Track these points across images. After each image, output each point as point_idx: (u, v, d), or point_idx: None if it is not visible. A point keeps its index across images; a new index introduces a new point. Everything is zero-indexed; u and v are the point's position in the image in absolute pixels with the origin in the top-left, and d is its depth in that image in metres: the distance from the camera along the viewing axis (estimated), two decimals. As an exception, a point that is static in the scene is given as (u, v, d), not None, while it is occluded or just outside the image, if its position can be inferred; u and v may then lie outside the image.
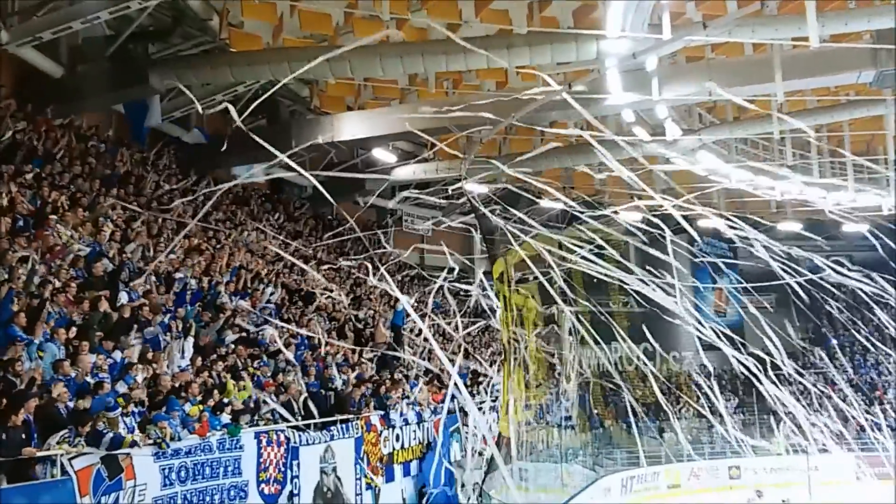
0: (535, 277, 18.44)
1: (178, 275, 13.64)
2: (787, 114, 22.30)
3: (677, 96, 19.33)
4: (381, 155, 21.57)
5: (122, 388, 10.28)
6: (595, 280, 15.77)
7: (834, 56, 18.92)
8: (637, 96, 18.48)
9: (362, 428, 14.35)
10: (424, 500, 15.89)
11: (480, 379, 20.93)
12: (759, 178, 25.62)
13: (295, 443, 12.42)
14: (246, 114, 10.55)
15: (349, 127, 20.62)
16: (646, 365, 19.43)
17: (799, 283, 14.75)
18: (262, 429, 11.99)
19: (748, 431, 29.52)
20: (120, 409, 9.85)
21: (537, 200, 17.59)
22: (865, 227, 33.94)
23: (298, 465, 12.44)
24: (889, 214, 30.26)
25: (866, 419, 29.15)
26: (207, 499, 10.71)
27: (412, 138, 22.45)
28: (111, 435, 9.28)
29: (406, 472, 15.79)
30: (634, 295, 13.77)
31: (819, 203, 28.32)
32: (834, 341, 34.99)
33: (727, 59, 21.14)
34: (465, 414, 18.14)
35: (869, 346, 34.33)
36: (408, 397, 16.63)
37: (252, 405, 12.23)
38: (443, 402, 17.87)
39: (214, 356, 12.80)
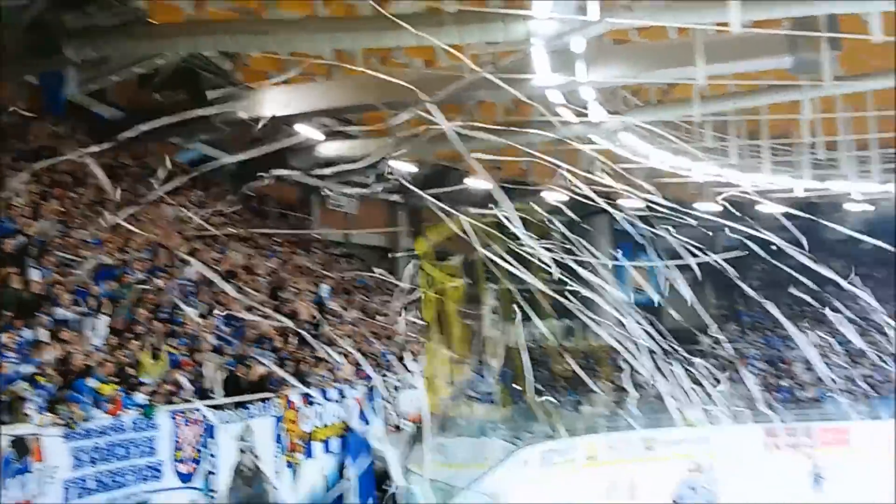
0: (460, 255, 18.68)
1: (87, 254, 13.33)
2: (708, 97, 22.93)
3: (603, 78, 19.62)
4: (306, 131, 21.29)
5: (29, 368, 10.06)
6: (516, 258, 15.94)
7: (755, 42, 19.43)
8: (564, 77, 18.70)
9: (282, 406, 14.32)
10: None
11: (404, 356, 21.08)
12: (678, 159, 26.33)
13: (212, 422, 12.33)
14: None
15: (272, 102, 20.32)
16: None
17: (716, 262, 15.10)
18: (178, 407, 11.87)
19: (663, 404, 30.47)
20: (20, 381, 9.65)
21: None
22: (781, 208, 35.30)
23: (216, 443, 12.37)
24: (803, 197, 31.45)
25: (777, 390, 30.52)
26: (120, 479, 10.60)
27: (337, 115, 22.31)
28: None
29: (327, 450, 15.84)
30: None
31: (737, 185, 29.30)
32: (746, 317, 36.26)
33: (651, 42, 21.50)
34: (387, 390, 18.29)
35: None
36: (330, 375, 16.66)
37: (169, 385, 12.10)
38: (366, 379, 18.01)
39: (129, 335, 12.60)
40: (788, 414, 29.60)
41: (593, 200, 12.91)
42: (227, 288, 13.17)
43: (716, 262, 15.15)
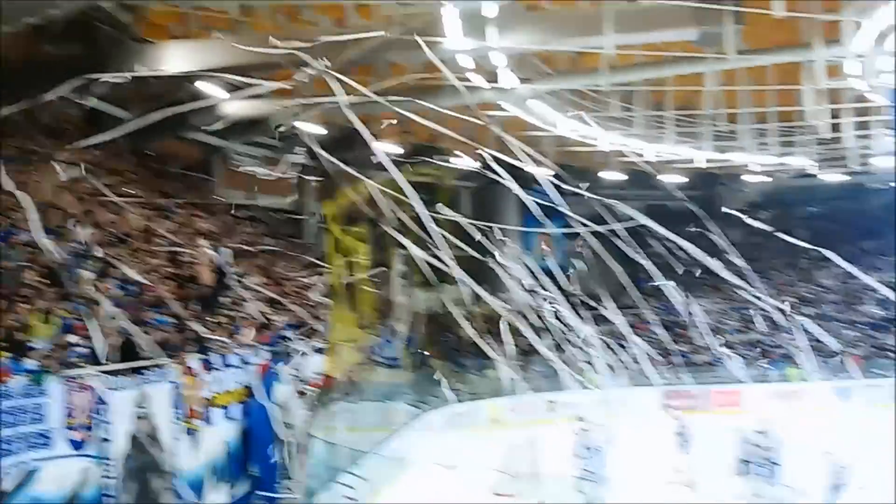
0: (369, 220, 18.46)
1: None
2: (615, 67, 23.25)
3: (514, 44, 19.62)
4: (208, 89, 20.54)
5: None
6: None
7: (662, 13, 19.74)
8: (475, 42, 18.63)
9: (180, 372, 13.99)
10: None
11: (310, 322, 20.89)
12: (586, 128, 26.68)
13: (106, 388, 11.96)
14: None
15: (173, 58, 19.48)
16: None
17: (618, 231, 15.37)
18: (70, 373, 11.47)
19: (569, 367, 31.21)
20: None
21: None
22: (683, 178, 36.36)
23: (110, 410, 12.00)
24: (704, 167, 32.43)
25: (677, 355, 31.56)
26: (7, 447, 10.19)
27: (242, 73, 21.61)
28: None
29: (228, 416, 15.60)
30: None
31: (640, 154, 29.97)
32: (649, 283, 37.11)
33: (562, 10, 21.60)
34: (290, 356, 18.09)
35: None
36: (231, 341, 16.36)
37: (60, 350, 11.66)
38: (268, 344, 17.74)
39: (18, 298, 12.06)
40: (685, 377, 30.77)
41: (496, 172, 12.96)
42: (101, 252, 12.69)
43: (613, 231, 15.47)
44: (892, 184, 43.37)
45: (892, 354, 32.22)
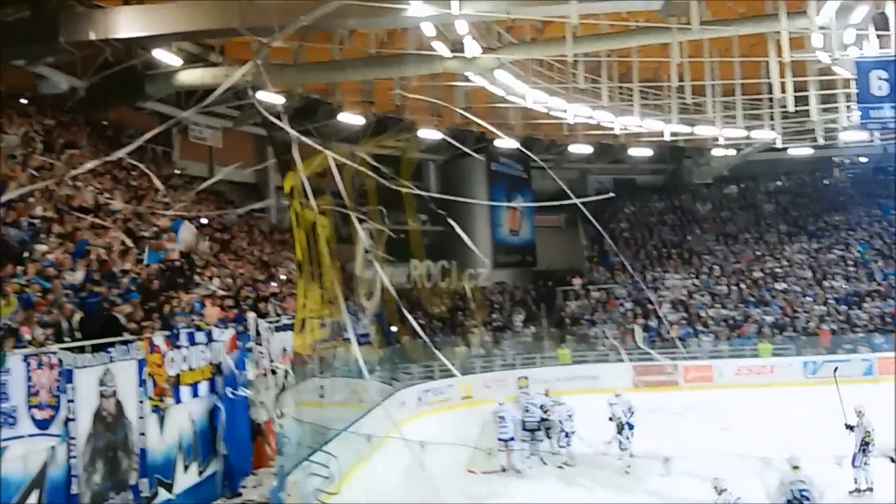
0: (332, 192, 17.99)
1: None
2: (580, 38, 22.95)
3: (477, 13, 19.21)
4: (163, 56, 19.77)
5: None
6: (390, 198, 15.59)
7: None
8: (437, 10, 18.23)
9: (145, 349, 13.60)
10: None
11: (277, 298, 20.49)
12: (553, 99, 26.42)
13: (69, 365, 11.53)
14: None
15: (126, 23, 18.56)
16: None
17: (586, 204, 15.05)
18: (31, 351, 11.01)
19: (538, 344, 31.19)
20: None
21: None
22: (650, 151, 36.25)
23: (73, 388, 11.58)
24: (671, 140, 32.26)
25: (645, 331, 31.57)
26: (-31, 428, 9.76)
27: (197, 40, 20.93)
28: None
29: (195, 394, 15.28)
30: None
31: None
32: (617, 259, 37.04)
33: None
34: (259, 333, 17.72)
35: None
36: (196, 316, 15.94)
37: (20, 327, 11.15)
38: (234, 321, 17.35)
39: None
40: (656, 352, 30.67)
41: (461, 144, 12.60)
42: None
43: (587, 204, 15.21)
44: (861, 158, 43.52)
45: (858, 330, 31.97)
